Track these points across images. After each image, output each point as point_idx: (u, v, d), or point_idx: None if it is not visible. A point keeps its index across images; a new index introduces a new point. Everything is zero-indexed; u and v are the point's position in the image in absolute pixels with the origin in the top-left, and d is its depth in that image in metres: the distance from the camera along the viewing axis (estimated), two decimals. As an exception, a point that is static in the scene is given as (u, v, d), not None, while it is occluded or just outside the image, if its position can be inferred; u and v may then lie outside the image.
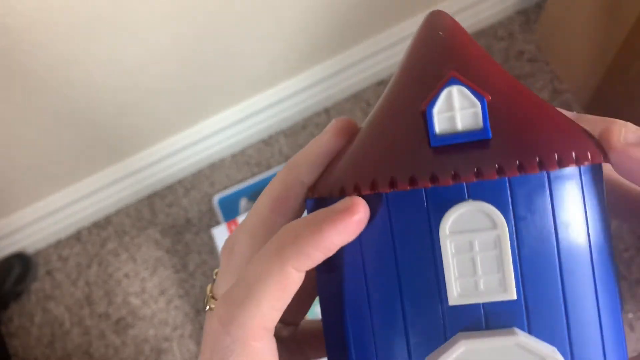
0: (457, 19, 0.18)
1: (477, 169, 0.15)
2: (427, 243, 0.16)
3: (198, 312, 0.98)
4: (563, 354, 0.15)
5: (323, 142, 0.18)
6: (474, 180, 0.15)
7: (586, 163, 0.16)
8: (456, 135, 0.16)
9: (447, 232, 0.15)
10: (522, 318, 0.15)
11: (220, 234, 0.96)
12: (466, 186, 0.15)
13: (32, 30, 0.68)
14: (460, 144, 0.16)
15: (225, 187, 1.05)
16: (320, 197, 0.18)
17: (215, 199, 1.03)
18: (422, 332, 0.16)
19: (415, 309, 0.16)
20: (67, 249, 1.05)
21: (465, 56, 0.17)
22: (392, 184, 0.16)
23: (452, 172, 0.15)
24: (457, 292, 0.15)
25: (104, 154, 0.97)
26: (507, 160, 0.15)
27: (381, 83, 1.07)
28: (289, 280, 0.16)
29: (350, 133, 0.18)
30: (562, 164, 0.15)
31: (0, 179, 0.90)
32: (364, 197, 0.16)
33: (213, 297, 0.21)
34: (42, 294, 1.03)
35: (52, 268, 1.04)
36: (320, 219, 0.16)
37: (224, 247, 0.20)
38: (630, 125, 0.17)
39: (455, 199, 0.15)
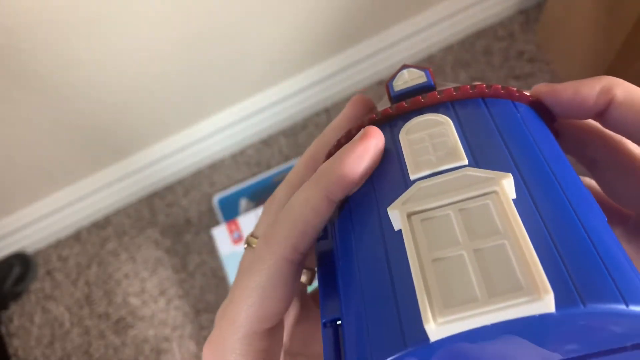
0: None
1: (422, 96, 0.19)
2: (394, 150, 0.19)
3: (198, 312, 0.98)
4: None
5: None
6: (421, 101, 0.19)
7: (517, 96, 0.19)
8: (408, 88, 0.20)
9: (405, 133, 0.18)
10: None
11: (220, 234, 0.96)
12: (419, 112, 0.19)
13: (32, 30, 0.68)
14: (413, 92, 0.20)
15: (225, 187, 1.05)
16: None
17: (215, 199, 1.03)
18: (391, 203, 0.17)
19: (386, 190, 0.18)
20: (67, 249, 1.05)
21: None
22: (370, 119, 0.20)
23: (405, 100, 0.20)
24: (415, 166, 0.17)
25: (104, 154, 0.97)
26: (446, 89, 0.19)
27: (381, 83, 1.07)
28: (322, 207, 0.18)
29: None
30: (491, 90, 0.19)
31: (0, 179, 0.90)
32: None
33: (253, 236, 0.23)
34: (41, 294, 1.03)
35: (51, 268, 1.04)
36: (343, 152, 0.18)
37: (269, 198, 0.23)
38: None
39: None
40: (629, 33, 0.82)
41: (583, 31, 0.93)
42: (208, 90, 0.93)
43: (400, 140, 0.18)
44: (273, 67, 0.96)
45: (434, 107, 0.19)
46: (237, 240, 0.96)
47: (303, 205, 0.18)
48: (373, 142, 0.18)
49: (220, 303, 0.98)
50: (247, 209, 1.01)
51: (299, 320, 0.23)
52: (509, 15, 1.10)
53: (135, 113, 0.90)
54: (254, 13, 0.82)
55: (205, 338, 0.96)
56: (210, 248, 1.01)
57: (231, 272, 0.95)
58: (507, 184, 0.15)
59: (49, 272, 1.04)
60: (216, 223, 1.02)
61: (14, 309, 1.02)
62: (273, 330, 0.20)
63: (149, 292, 1.00)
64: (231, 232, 0.97)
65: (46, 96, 0.78)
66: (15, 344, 1.00)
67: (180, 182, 1.07)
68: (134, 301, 1.00)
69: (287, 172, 1.02)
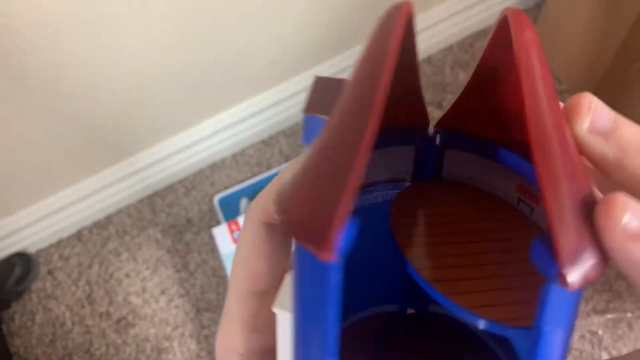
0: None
1: None
2: None
3: (198, 311, 0.98)
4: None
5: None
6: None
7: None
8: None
9: None
10: None
11: (221, 233, 0.97)
12: None
13: (32, 30, 0.69)
14: None
15: (226, 187, 1.06)
16: None
17: (216, 198, 1.03)
18: None
19: None
20: (69, 249, 1.05)
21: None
22: None
23: None
24: None
25: (105, 154, 0.97)
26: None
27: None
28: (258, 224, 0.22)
29: None
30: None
31: (1, 179, 0.90)
32: None
33: None
34: (43, 293, 1.03)
35: (53, 267, 1.05)
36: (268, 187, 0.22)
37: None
38: (632, 204, 0.12)
39: None
40: (627, 33, 0.82)
41: (582, 32, 0.94)
42: (209, 90, 0.93)
43: None
44: (273, 67, 0.96)
45: None
46: (237, 240, 0.97)
47: (277, 179, 0.21)
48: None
49: (221, 302, 0.99)
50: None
51: None
52: (508, 16, 1.10)
53: (136, 113, 0.90)
54: (255, 14, 0.82)
55: (206, 337, 0.97)
56: (211, 247, 1.02)
57: (232, 271, 0.95)
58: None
59: (50, 272, 1.04)
60: (217, 223, 1.03)
61: (15, 308, 1.03)
62: (264, 295, 0.21)
63: (149, 291, 1.01)
64: (232, 231, 0.97)
65: (47, 96, 0.79)
66: (16, 343, 1.00)
67: (181, 182, 1.07)
68: (135, 300, 1.00)
69: (288, 172, 1.03)
